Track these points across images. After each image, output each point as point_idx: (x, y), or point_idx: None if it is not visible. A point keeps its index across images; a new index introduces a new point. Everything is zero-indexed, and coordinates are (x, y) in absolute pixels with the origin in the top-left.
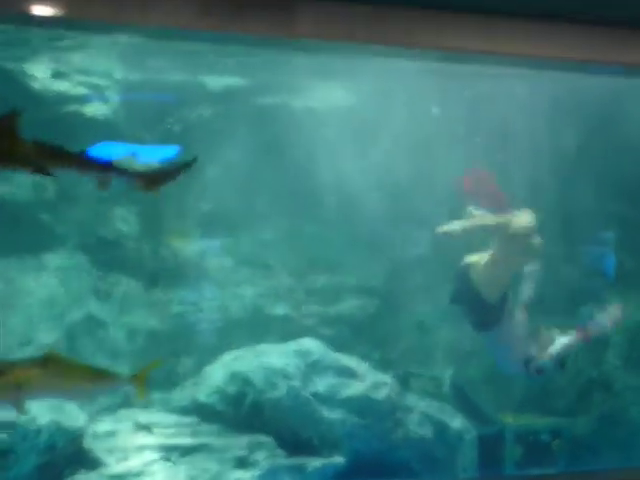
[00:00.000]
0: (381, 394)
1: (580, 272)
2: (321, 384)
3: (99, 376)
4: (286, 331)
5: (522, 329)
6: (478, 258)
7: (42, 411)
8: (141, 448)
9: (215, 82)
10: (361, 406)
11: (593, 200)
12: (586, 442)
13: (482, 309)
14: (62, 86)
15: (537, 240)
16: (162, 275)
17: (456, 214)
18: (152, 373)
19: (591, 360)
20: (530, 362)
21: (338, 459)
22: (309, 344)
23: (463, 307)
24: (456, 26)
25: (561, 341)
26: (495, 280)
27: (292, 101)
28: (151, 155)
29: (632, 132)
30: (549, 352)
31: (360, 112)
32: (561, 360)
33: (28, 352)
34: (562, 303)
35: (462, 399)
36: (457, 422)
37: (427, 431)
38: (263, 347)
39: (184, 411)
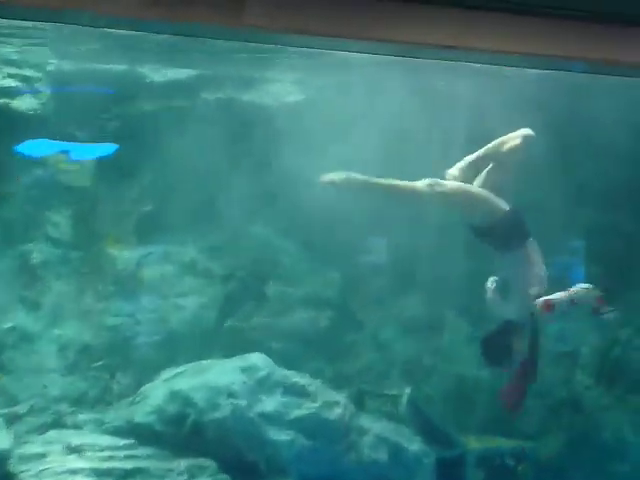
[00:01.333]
0: (333, 414)
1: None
2: (269, 403)
3: None
4: (231, 345)
5: (539, 257)
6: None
7: None
8: (72, 472)
9: (157, 74)
10: (312, 427)
11: (561, 206)
12: (554, 466)
13: (502, 227)
14: None
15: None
16: (96, 283)
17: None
18: (84, 390)
19: (560, 378)
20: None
21: None
22: (256, 359)
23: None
24: (415, 19)
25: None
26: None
27: (241, 95)
28: (84, 154)
29: (600, 133)
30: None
31: (314, 108)
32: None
33: None
34: None
35: (421, 420)
36: (415, 445)
37: (382, 454)
38: (206, 363)
39: (119, 432)
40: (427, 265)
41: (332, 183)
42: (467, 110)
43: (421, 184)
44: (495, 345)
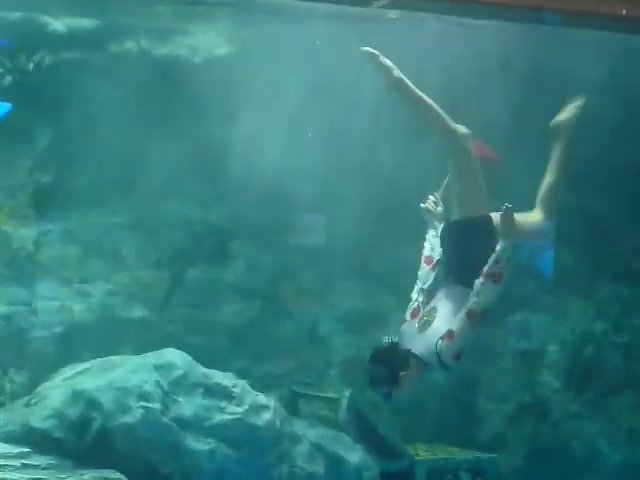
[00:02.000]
0: (262, 419)
1: (510, 272)
2: (186, 407)
3: None
4: (143, 339)
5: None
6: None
7: None
8: None
9: (59, 23)
10: (236, 434)
11: (527, 181)
12: None
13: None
14: None
15: None
16: None
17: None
18: None
19: (523, 380)
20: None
21: None
22: (172, 356)
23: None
24: None
25: None
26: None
27: (155, 49)
28: None
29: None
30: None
31: (241, 65)
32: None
33: None
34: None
35: (362, 427)
36: (356, 455)
37: (318, 466)
38: (114, 359)
39: (12, 438)
40: (371, 249)
41: (371, 58)
42: (420, 66)
43: (460, 127)
44: (384, 367)
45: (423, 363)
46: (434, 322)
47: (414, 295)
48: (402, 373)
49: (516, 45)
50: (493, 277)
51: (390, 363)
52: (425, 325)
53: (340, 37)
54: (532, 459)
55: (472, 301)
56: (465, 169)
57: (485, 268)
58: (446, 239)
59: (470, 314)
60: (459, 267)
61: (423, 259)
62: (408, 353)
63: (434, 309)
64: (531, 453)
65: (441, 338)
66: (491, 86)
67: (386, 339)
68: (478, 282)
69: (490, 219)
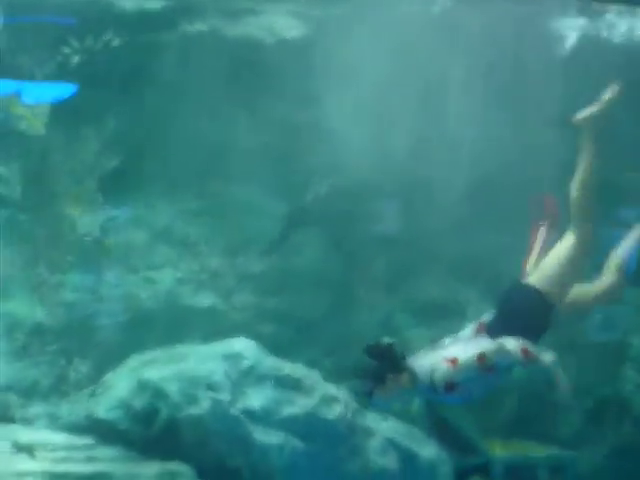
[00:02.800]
0: (333, 412)
1: (589, 265)
2: (256, 398)
3: None
4: (212, 328)
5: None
6: None
7: None
8: (20, 475)
9: (128, 2)
10: (307, 427)
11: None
12: None
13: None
14: None
15: None
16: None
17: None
18: (36, 379)
19: (604, 374)
20: None
21: None
22: (241, 346)
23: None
24: None
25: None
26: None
27: (226, 29)
28: (40, 94)
29: None
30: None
31: (315, 46)
32: None
33: None
34: None
35: (437, 421)
36: (429, 450)
37: (391, 461)
38: (182, 349)
39: (77, 429)
40: (447, 237)
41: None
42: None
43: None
44: (375, 362)
45: (415, 378)
46: (443, 348)
47: (446, 341)
48: (391, 375)
49: None
50: (527, 355)
51: (383, 360)
52: (433, 349)
53: (420, 17)
54: (613, 457)
55: (491, 348)
56: (577, 260)
57: (531, 347)
58: (506, 295)
59: (482, 357)
60: (497, 322)
61: (475, 324)
62: (405, 362)
63: (450, 343)
64: (612, 451)
65: (443, 359)
66: None
67: (385, 339)
68: (513, 345)
69: (554, 309)
